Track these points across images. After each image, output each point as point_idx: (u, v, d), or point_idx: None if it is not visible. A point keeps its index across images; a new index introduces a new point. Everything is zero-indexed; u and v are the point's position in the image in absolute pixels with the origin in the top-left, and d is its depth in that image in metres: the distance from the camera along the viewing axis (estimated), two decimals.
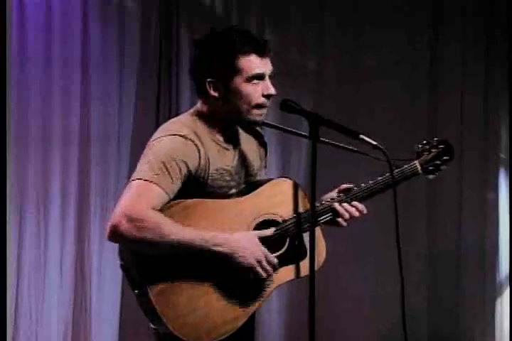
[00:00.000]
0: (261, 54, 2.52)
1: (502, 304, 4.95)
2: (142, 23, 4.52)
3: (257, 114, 2.56)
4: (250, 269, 2.50)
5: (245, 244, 2.48)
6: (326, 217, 2.67)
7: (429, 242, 4.94)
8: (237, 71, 2.50)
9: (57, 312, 4.28)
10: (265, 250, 2.52)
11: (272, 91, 2.54)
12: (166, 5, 4.55)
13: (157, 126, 2.67)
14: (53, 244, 4.30)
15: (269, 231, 2.57)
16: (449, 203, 4.96)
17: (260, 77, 2.53)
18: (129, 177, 2.48)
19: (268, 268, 2.52)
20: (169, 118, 2.76)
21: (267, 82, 2.55)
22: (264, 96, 2.54)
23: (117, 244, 2.51)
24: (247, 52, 2.50)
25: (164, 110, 4.49)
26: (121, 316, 4.39)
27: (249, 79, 2.51)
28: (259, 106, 2.54)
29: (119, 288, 4.34)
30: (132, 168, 2.57)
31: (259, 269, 2.50)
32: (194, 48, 2.60)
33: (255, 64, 2.51)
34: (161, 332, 2.51)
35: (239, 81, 2.51)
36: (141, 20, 4.51)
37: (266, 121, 2.67)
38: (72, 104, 4.35)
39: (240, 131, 2.69)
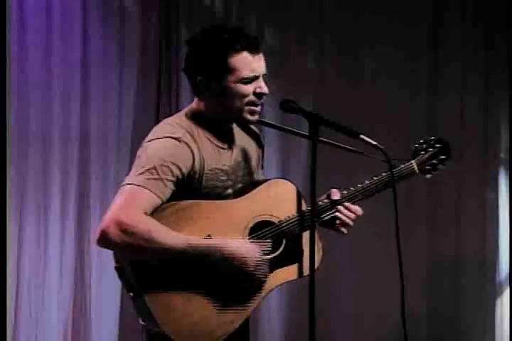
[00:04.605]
0: (253, 51, 2.48)
1: (502, 304, 4.95)
2: (142, 23, 4.51)
3: (249, 112, 2.51)
4: (247, 276, 2.49)
5: (240, 251, 2.46)
6: (326, 215, 2.65)
7: (429, 242, 4.93)
8: (229, 70, 2.46)
9: (57, 312, 4.28)
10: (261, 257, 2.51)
11: (265, 90, 2.51)
12: (166, 5, 4.55)
13: None
14: (53, 244, 4.29)
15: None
16: (449, 203, 4.96)
17: (254, 78, 2.49)
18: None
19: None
20: None
21: (261, 81, 2.51)
22: (255, 94, 2.50)
23: None
24: (238, 50, 2.46)
25: (164, 110, 4.48)
26: (121, 316, 4.38)
27: (242, 79, 2.47)
28: (251, 103, 2.50)
29: (119, 288, 4.33)
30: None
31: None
32: (186, 46, 2.55)
33: (248, 64, 2.47)
34: (152, 333, 2.50)
35: (231, 80, 2.47)
36: (141, 20, 4.51)
37: (265, 120, 2.65)
38: (72, 104, 4.35)
39: (237, 129, 2.66)
